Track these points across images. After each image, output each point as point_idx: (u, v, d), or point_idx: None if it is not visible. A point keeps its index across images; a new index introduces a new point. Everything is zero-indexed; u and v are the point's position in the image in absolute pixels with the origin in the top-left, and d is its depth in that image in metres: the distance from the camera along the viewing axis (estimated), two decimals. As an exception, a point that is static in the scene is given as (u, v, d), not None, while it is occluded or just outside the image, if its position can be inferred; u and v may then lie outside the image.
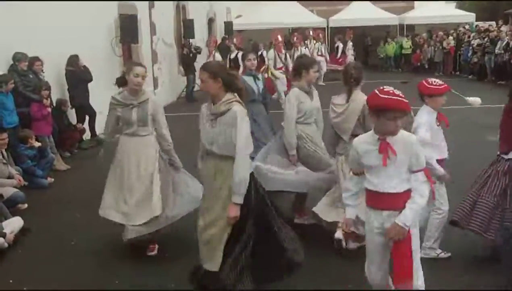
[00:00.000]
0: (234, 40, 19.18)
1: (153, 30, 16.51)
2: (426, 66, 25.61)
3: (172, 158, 5.86)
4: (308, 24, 25.03)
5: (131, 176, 5.57)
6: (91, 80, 11.39)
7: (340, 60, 22.99)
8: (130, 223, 5.47)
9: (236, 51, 18.35)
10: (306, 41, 21.81)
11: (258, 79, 7.45)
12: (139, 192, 5.51)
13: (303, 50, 19.05)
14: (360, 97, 5.34)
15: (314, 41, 22.36)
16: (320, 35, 23.26)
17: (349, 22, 26.41)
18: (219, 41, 20.51)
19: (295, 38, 19.47)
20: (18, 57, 9.59)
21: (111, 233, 6.09)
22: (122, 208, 5.54)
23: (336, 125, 5.59)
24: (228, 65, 17.79)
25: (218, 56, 17.29)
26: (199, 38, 20.27)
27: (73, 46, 11.19)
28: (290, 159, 6.07)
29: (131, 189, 5.54)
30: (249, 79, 7.30)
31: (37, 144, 8.99)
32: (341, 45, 24.08)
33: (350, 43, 23.95)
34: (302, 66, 6.01)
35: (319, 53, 21.96)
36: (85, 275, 5.43)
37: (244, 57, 7.84)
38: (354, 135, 4.75)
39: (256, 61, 7.64)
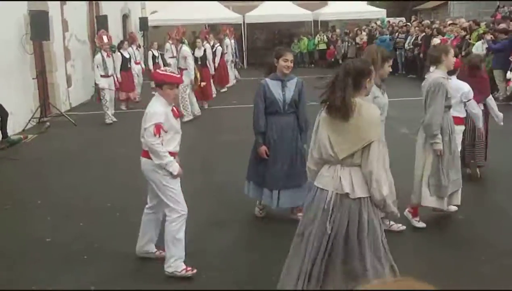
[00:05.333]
0: (134, 37, 18.12)
1: (65, 26, 16.04)
2: (340, 62, 26.21)
3: None
4: (224, 20, 25.06)
5: None
6: None
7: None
8: None
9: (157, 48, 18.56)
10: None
11: (286, 86, 6.17)
12: None
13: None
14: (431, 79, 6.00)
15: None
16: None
17: (265, 18, 26.65)
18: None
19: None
20: None
21: (26, 234, 5.93)
22: None
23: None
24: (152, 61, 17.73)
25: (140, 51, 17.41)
26: (114, 35, 19.83)
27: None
28: None
29: None
30: (274, 85, 6.16)
31: None
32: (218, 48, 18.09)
33: (228, 41, 20.08)
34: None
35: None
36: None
37: (278, 55, 6.15)
38: None
39: (292, 63, 6.20)
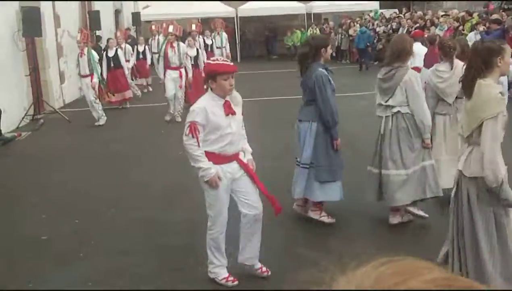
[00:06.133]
0: (118, 34, 17.05)
1: (57, 22, 15.97)
2: (334, 54, 26.16)
3: None
4: (217, 14, 24.96)
5: None
6: None
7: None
8: None
9: (144, 44, 17.86)
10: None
11: (332, 72, 6.04)
12: None
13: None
14: (460, 65, 6.01)
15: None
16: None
17: (258, 12, 26.63)
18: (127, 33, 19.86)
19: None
20: None
21: (22, 233, 5.90)
22: None
23: (441, 90, 6.37)
24: (136, 58, 17.11)
25: (129, 48, 16.26)
26: (106, 30, 19.79)
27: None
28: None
29: None
30: (329, 74, 5.95)
31: None
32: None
33: (224, 35, 19.24)
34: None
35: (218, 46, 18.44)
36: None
37: (326, 44, 6.07)
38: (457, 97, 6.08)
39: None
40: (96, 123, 12.60)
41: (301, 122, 6.05)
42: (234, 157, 4.73)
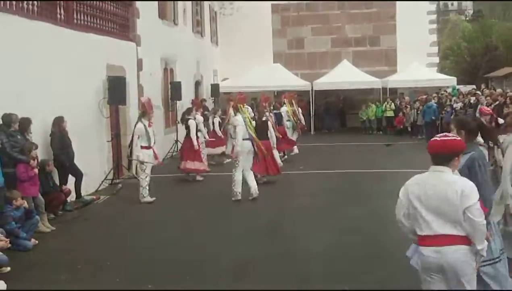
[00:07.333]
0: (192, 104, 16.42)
1: (141, 92, 16.64)
2: (409, 129, 25.92)
3: None
4: (292, 87, 25.32)
5: None
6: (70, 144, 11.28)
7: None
8: None
9: (213, 115, 17.79)
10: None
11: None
12: None
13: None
14: None
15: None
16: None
17: (333, 85, 26.69)
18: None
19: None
20: (13, 120, 9.55)
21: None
22: None
23: None
24: (207, 130, 16.72)
25: (200, 118, 15.78)
26: (187, 101, 20.43)
27: (60, 107, 11.22)
28: None
29: None
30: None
31: (25, 204, 8.89)
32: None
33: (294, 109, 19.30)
34: None
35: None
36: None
37: (461, 126, 5.50)
38: None
39: None
40: (146, 200, 11.80)
41: None
42: None
